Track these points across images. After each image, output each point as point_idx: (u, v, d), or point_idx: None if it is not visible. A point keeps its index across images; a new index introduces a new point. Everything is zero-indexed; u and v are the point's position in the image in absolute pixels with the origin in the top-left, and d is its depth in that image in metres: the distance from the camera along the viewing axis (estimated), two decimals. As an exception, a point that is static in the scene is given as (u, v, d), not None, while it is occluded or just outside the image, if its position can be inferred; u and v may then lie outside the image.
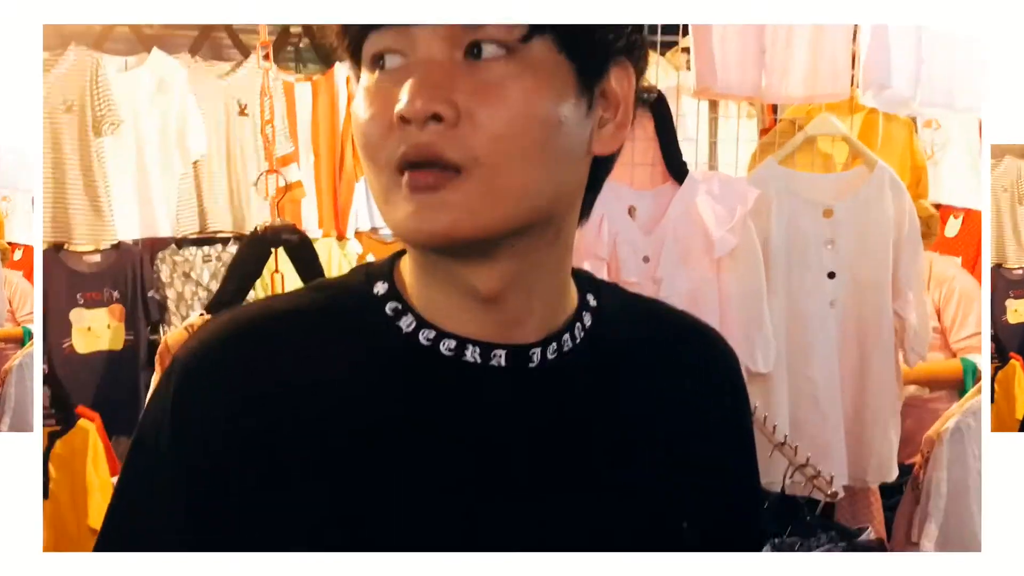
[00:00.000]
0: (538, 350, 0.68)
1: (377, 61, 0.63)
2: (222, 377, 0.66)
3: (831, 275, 2.00)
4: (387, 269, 0.71)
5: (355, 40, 0.64)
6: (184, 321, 1.99)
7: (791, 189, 2.00)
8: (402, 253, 0.73)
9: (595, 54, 0.65)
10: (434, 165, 0.61)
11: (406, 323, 0.67)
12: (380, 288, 0.69)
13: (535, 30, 0.62)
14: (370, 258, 3.39)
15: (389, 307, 0.68)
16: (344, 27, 0.65)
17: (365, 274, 0.71)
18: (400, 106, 0.60)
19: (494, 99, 0.61)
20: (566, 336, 0.70)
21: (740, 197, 1.86)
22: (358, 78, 0.67)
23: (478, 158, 0.61)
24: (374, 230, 3.49)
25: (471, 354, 0.67)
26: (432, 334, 0.67)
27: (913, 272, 2.05)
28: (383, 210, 0.64)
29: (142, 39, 3.07)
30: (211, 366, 0.66)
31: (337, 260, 3.34)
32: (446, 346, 0.67)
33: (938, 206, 2.89)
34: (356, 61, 0.66)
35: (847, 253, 2.00)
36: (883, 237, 2.01)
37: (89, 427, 2.74)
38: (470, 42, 0.61)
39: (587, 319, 0.72)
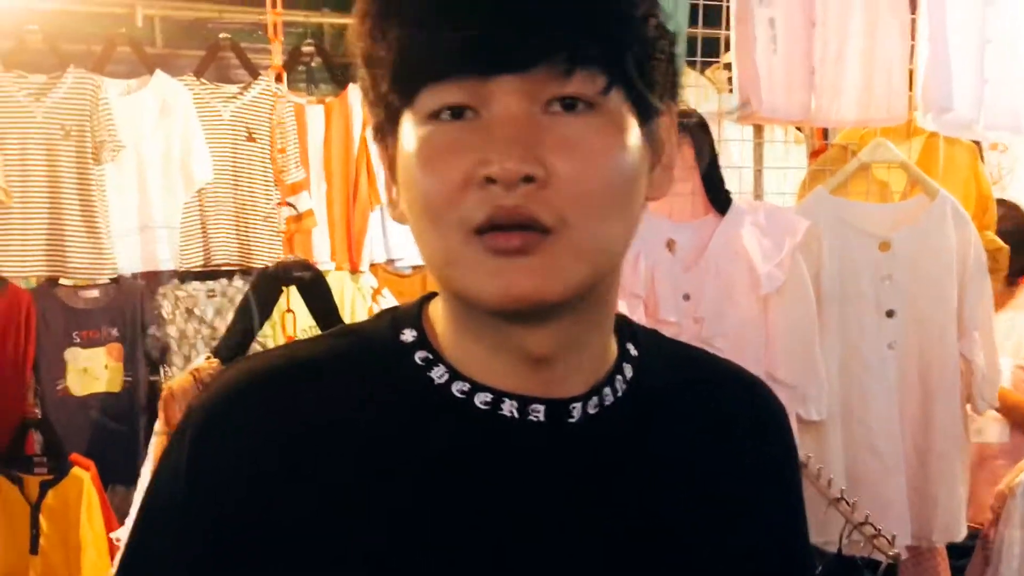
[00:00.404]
0: (579, 405, 0.69)
1: (437, 114, 0.64)
2: (241, 429, 0.68)
3: (890, 313, 2.00)
4: (415, 315, 0.72)
5: (409, 91, 0.65)
6: (188, 365, 2.02)
7: (844, 220, 2.01)
8: (429, 297, 0.75)
9: (651, 99, 0.68)
10: (523, 227, 0.62)
11: (438, 374, 0.69)
12: (408, 336, 0.71)
13: (612, 82, 0.64)
14: (387, 292, 3.42)
15: (419, 356, 0.70)
16: (398, 75, 0.65)
17: (391, 320, 0.73)
18: (489, 167, 0.61)
19: (581, 156, 0.63)
20: (607, 389, 0.71)
21: (788, 229, 1.87)
22: (389, 120, 0.68)
23: (567, 217, 0.62)
24: (390, 262, 3.51)
25: (508, 408, 0.68)
26: (466, 386, 0.68)
27: (980, 310, 2.05)
28: (446, 272, 0.65)
29: (144, 60, 3.13)
30: (229, 418, 0.68)
31: (351, 294, 3.36)
32: (481, 399, 0.68)
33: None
34: (396, 108, 0.66)
35: (906, 289, 2.00)
36: (946, 272, 2.01)
37: (83, 476, 2.77)
38: (550, 97, 0.63)
39: (628, 370, 0.74)
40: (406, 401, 0.69)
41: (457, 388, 0.68)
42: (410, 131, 0.65)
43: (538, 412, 0.68)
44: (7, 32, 2.97)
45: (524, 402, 0.68)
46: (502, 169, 0.61)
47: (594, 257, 0.65)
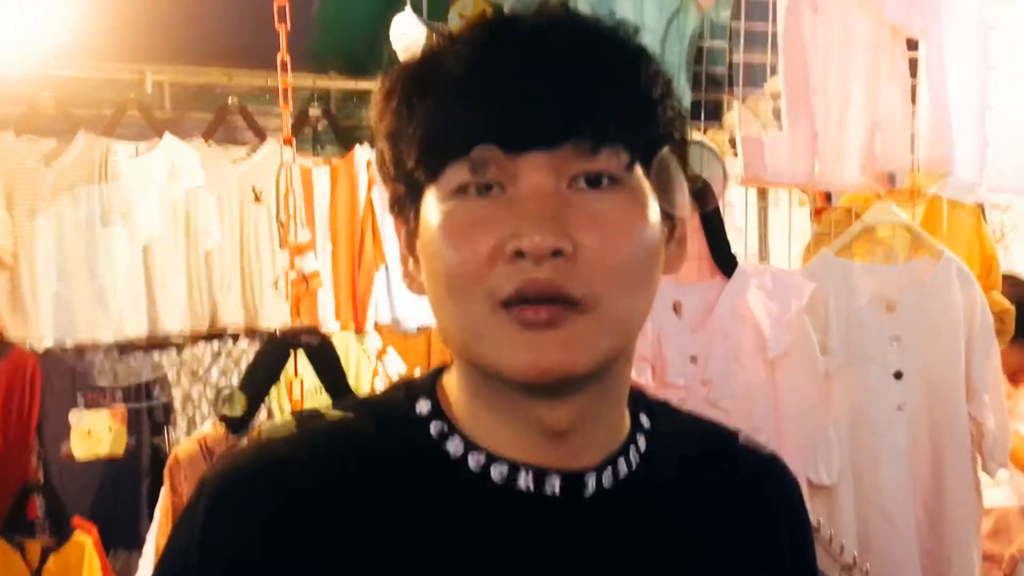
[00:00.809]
0: (593, 477, 0.70)
1: (464, 189, 0.65)
2: (254, 504, 0.68)
3: (898, 375, 2.00)
4: (429, 386, 0.73)
5: (436, 167, 0.66)
6: (195, 431, 2.02)
7: (850, 282, 2.02)
8: (443, 368, 0.76)
9: (669, 174, 0.70)
10: (552, 301, 0.63)
11: (453, 446, 0.69)
12: (423, 407, 0.72)
13: (635, 157, 0.66)
14: (392, 352, 3.42)
15: (434, 428, 0.70)
16: (426, 151, 0.66)
17: (406, 391, 0.74)
18: (520, 241, 0.62)
19: (609, 230, 0.64)
20: (621, 461, 0.72)
21: (795, 292, 1.88)
22: (410, 195, 0.69)
23: (596, 291, 0.64)
24: (395, 322, 3.52)
25: (523, 481, 0.68)
26: (482, 458, 0.69)
27: (988, 371, 2.05)
28: (472, 345, 0.66)
29: (153, 124, 3.18)
30: (243, 492, 0.68)
31: (355, 355, 3.37)
32: (497, 472, 0.68)
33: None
34: (420, 183, 0.68)
35: (914, 351, 2.01)
36: (953, 333, 2.01)
37: (85, 540, 2.75)
38: (576, 173, 0.65)
39: (641, 442, 0.74)
40: (421, 474, 0.69)
41: (473, 460, 0.69)
42: (434, 206, 0.66)
43: (554, 484, 0.69)
44: (20, 98, 3.02)
45: (540, 474, 0.69)
46: (532, 243, 0.62)
47: (619, 329, 0.66)
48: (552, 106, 0.64)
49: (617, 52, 0.68)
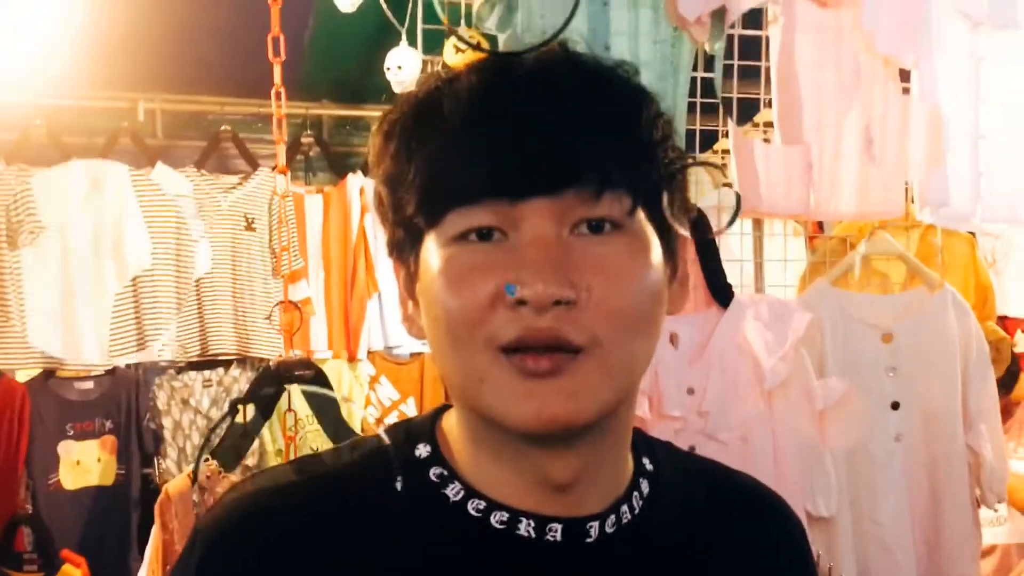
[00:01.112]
0: (596, 524, 0.69)
1: (465, 235, 0.65)
2: (250, 554, 0.67)
3: (895, 406, 2.00)
4: (429, 428, 0.72)
5: (437, 213, 0.65)
6: (186, 468, 2.00)
7: (846, 312, 2.02)
8: (443, 410, 0.75)
9: (669, 220, 0.69)
10: (553, 349, 0.62)
11: (453, 491, 0.69)
12: (423, 451, 0.71)
13: (637, 203, 0.65)
14: (384, 380, 3.40)
15: (433, 472, 0.69)
16: (426, 198, 0.65)
17: (405, 434, 0.73)
18: (521, 291, 0.62)
19: (612, 276, 0.64)
20: (624, 507, 0.71)
21: (791, 322, 1.87)
22: (410, 239, 0.68)
23: (598, 337, 0.63)
24: (387, 350, 3.51)
25: (524, 528, 0.67)
26: (482, 504, 0.68)
27: (985, 401, 2.04)
28: (473, 390, 0.65)
29: (146, 152, 3.18)
30: (237, 542, 0.67)
31: (348, 382, 3.36)
32: (497, 519, 0.67)
33: (1003, 319, 2.89)
34: (419, 229, 0.67)
35: (911, 381, 2.00)
36: (950, 363, 2.01)
37: (74, 573, 2.72)
38: (578, 219, 0.64)
39: (644, 486, 0.73)
40: (420, 519, 0.68)
41: (472, 506, 0.68)
42: (435, 251, 0.66)
43: (555, 532, 0.68)
44: (11, 126, 3.02)
45: (541, 522, 0.68)
46: (534, 293, 0.61)
47: (622, 374, 0.65)
48: (554, 153, 0.63)
49: (618, 95, 0.67)
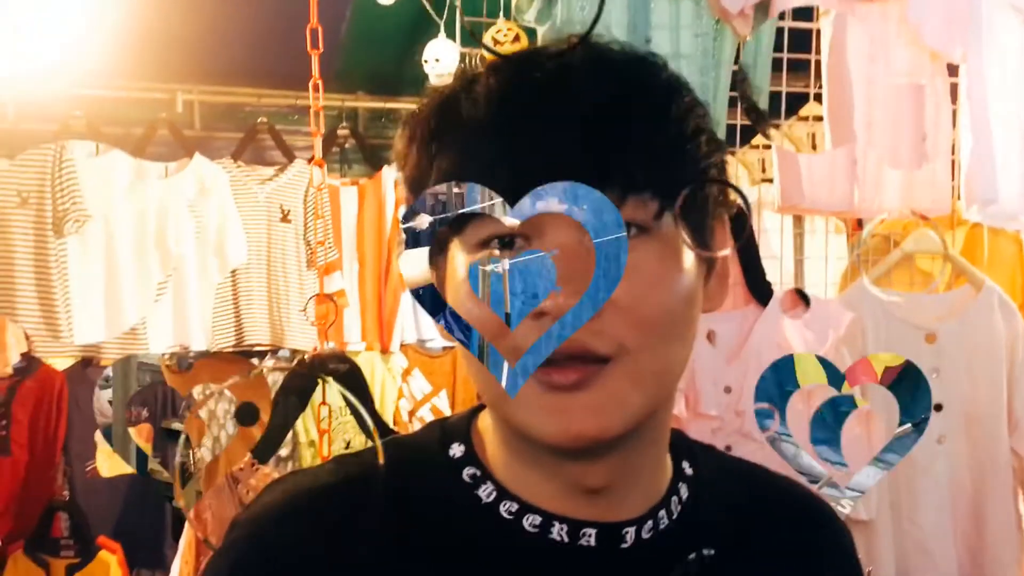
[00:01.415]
0: (632, 529, 0.68)
1: (487, 242, 0.63)
2: (285, 551, 0.66)
3: (937, 407, 1.96)
4: (464, 428, 0.71)
5: (459, 221, 0.64)
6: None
7: (889, 312, 1.98)
8: (478, 409, 0.74)
9: (703, 217, 0.67)
10: (578, 360, 0.61)
11: (485, 492, 0.68)
12: (456, 451, 0.70)
13: (665, 205, 0.63)
14: (417, 373, 3.40)
15: (466, 473, 0.69)
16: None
17: (440, 433, 0.72)
18: (544, 302, 0.60)
19: (638, 283, 0.61)
20: (662, 512, 0.69)
21: (832, 321, 1.84)
22: (436, 246, 0.65)
23: (625, 345, 0.61)
24: (420, 343, 3.52)
25: (557, 532, 0.66)
26: (515, 507, 0.67)
27: (1031, 404, 2.00)
28: (500, 401, 0.64)
29: (183, 143, 3.21)
30: (273, 539, 0.67)
31: (381, 375, 3.37)
32: (530, 522, 0.66)
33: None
34: (444, 236, 0.66)
35: (954, 383, 1.96)
36: (995, 364, 1.97)
37: (110, 560, 2.75)
38: None
39: (683, 490, 0.72)
40: (453, 519, 0.67)
41: (505, 508, 0.67)
42: (459, 259, 0.64)
43: (589, 536, 0.66)
44: (53, 117, 3.05)
45: (575, 526, 0.66)
46: (553, 303, 0.60)
47: (653, 383, 0.63)
48: (575, 158, 0.61)
49: (643, 92, 0.64)
